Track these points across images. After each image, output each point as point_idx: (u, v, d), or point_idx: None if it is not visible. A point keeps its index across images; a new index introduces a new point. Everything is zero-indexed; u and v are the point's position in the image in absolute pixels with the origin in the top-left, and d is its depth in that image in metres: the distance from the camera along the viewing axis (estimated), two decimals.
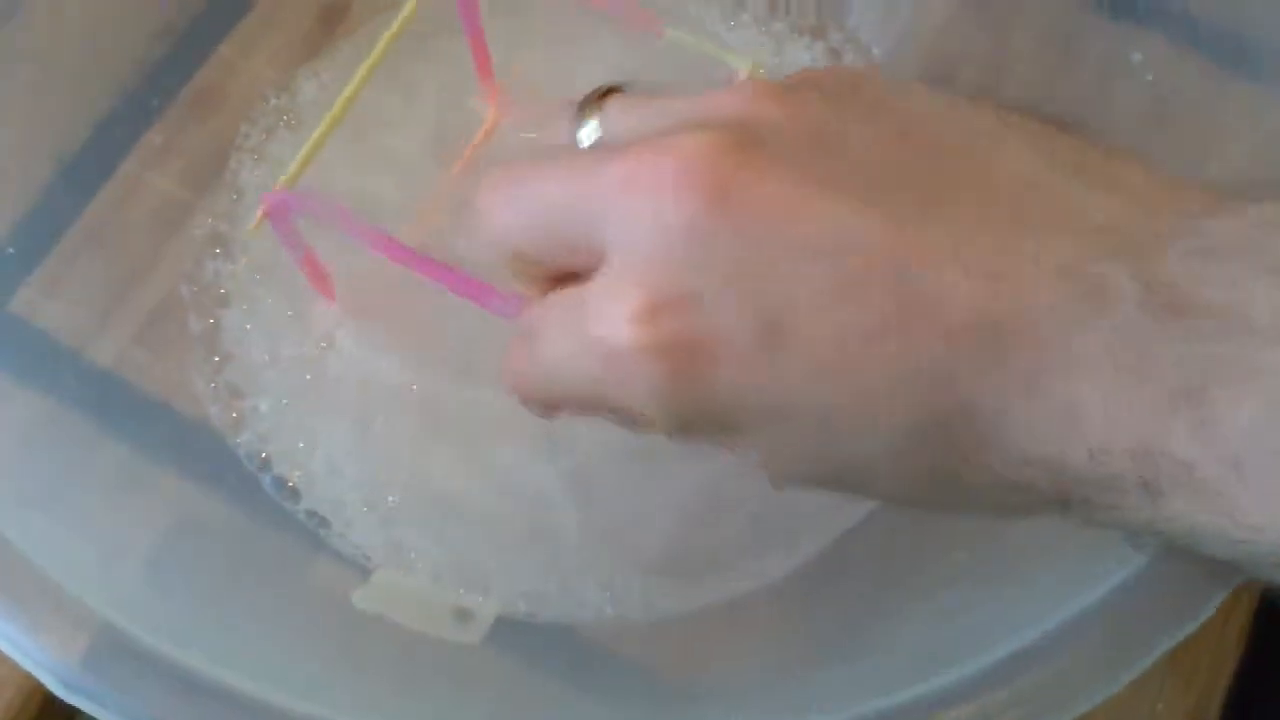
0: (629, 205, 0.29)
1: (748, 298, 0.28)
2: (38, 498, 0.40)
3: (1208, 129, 0.43)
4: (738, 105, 0.30)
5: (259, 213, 0.42)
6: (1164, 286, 0.26)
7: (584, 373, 0.31)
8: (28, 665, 0.33)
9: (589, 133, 0.34)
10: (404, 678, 0.39)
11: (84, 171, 0.49)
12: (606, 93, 0.34)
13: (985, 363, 0.27)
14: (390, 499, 0.45)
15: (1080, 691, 0.31)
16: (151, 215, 0.49)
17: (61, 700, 0.33)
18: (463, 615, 0.42)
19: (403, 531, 0.44)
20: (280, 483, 0.45)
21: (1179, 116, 0.44)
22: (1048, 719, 0.31)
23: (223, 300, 0.48)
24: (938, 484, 0.29)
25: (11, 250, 0.47)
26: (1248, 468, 0.25)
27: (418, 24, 0.45)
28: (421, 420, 0.46)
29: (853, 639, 0.39)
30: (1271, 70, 0.42)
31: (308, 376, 0.47)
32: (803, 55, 0.52)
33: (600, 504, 0.45)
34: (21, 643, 0.33)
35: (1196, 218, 0.28)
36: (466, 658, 0.42)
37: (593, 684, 0.42)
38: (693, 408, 0.30)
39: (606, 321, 0.29)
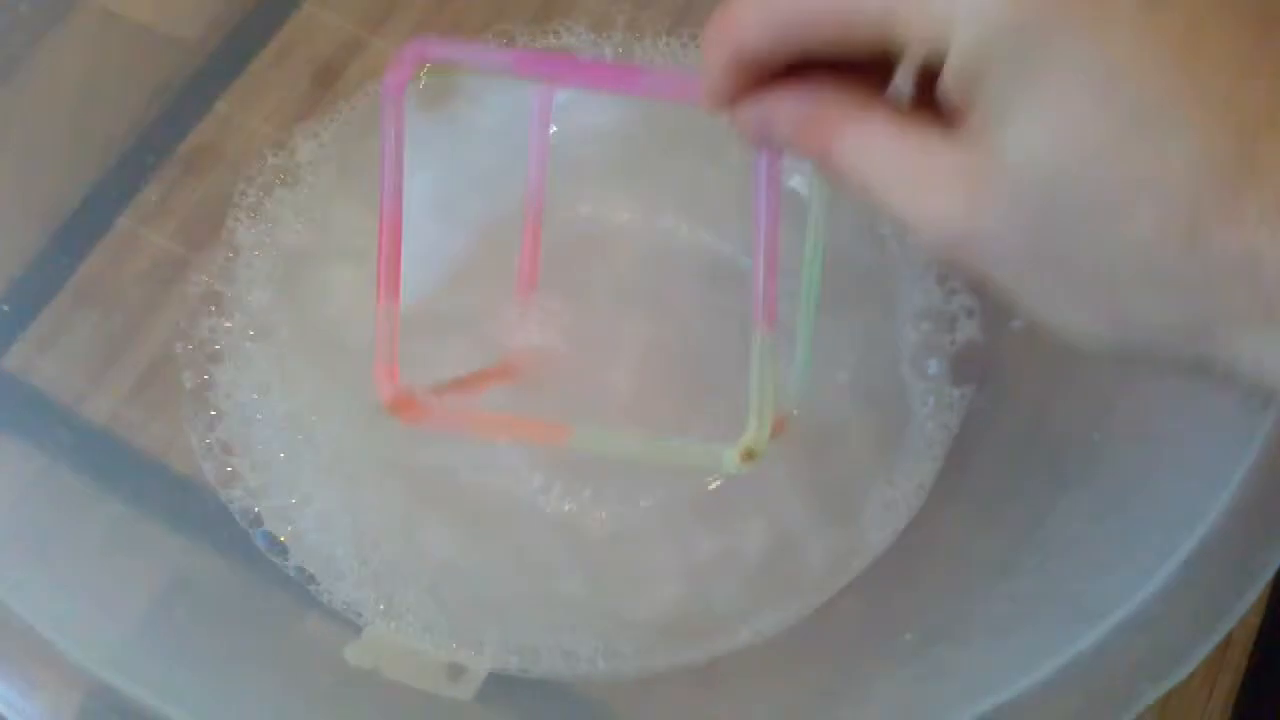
0: None
1: None
2: (31, 555, 0.39)
3: None
4: None
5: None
6: None
7: None
8: None
9: None
10: None
11: (79, 228, 0.50)
12: None
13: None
14: (381, 554, 0.45)
15: None
16: (146, 272, 0.50)
17: None
18: (455, 671, 0.42)
19: (394, 586, 0.44)
20: (271, 539, 0.45)
21: None
22: None
23: (216, 357, 0.48)
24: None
25: (5, 307, 0.47)
26: None
27: None
28: (413, 478, 0.46)
29: (838, 696, 0.39)
30: None
31: (300, 435, 0.47)
32: None
33: (595, 564, 0.45)
34: (15, 702, 0.33)
35: None
36: (459, 713, 0.42)
37: None
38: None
39: None
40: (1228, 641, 0.47)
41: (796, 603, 0.43)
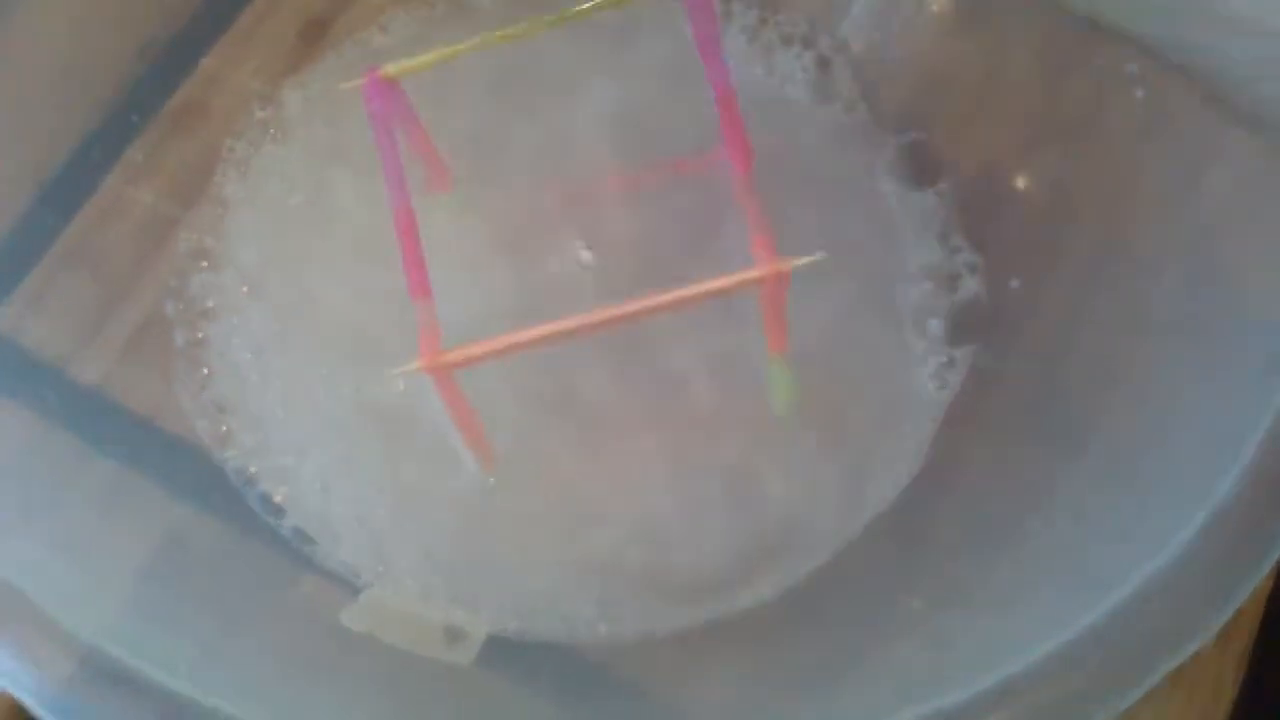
0: None
1: None
2: (22, 518, 0.39)
3: (1204, 138, 0.43)
4: None
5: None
6: None
7: None
8: (13, 689, 0.33)
9: None
10: (394, 698, 0.39)
11: (66, 189, 0.49)
12: None
13: None
14: (379, 515, 0.45)
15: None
16: (135, 231, 0.49)
17: None
18: (454, 634, 0.42)
19: (392, 547, 0.44)
20: (266, 499, 0.45)
21: (1173, 128, 0.44)
22: None
23: (209, 314, 0.48)
24: None
25: None
26: None
27: None
28: (412, 438, 0.46)
29: (844, 660, 0.39)
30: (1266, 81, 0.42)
31: (296, 393, 0.46)
32: (792, 64, 0.51)
33: (594, 525, 0.44)
34: (7, 666, 0.33)
35: None
36: (458, 677, 0.41)
37: (585, 704, 0.41)
38: None
39: None
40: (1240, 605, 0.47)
41: (796, 567, 0.43)
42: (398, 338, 0.46)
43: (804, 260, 0.38)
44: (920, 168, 0.50)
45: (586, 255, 0.48)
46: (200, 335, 0.47)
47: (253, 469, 0.45)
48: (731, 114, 0.40)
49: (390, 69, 0.41)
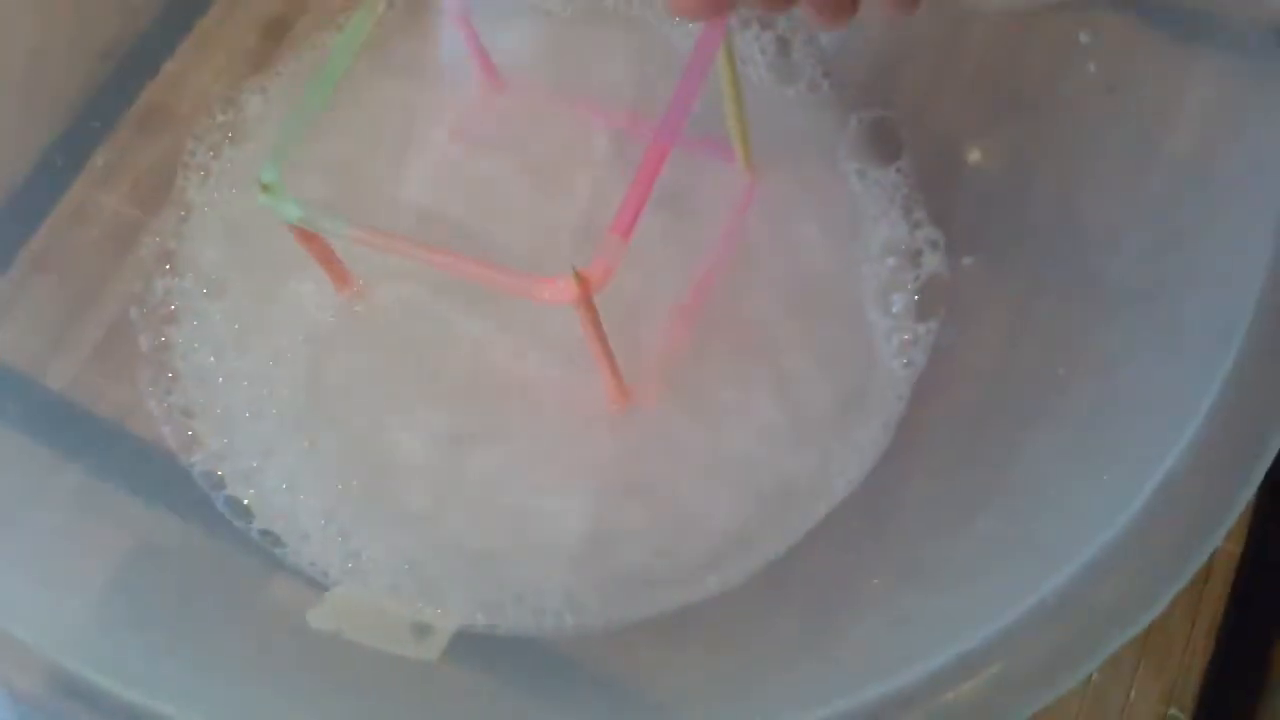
0: None
1: None
2: None
3: (1160, 106, 0.43)
4: None
5: None
6: None
7: None
8: None
9: None
10: (363, 698, 0.39)
11: (31, 197, 0.49)
12: None
13: None
14: (346, 511, 0.45)
15: (1032, 689, 0.30)
16: (100, 236, 0.49)
17: None
18: (422, 630, 0.42)
19: (360, 544, 0.44)
20: (234, 502, 0.45)
21: (1131, 96, 0.44)
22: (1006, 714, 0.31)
23: (171, 318, 0.48)
24: None
25: None
26: None
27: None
28: (375, 432, 0.46)
29: (807, 644, 0.39)
30: (1220, 44, 0.42)
31: (259, 393, 0.46)
32: (750, 46, 0.51)
33: (560, 516, 0.44)
34: None
35: None
36: (426, 673, 0.41)
37: (554, 694, 0.41)
38: None
39: None
40: (1208, 574, 0.47)
41: (762, 551, 0.43)
42: (361, 333, 0.47)
43: None
44: (882, 145, 0.50)
45: None
46: (163, 339, 0.47)
47: (220, 472, 0.45)
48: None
49: None
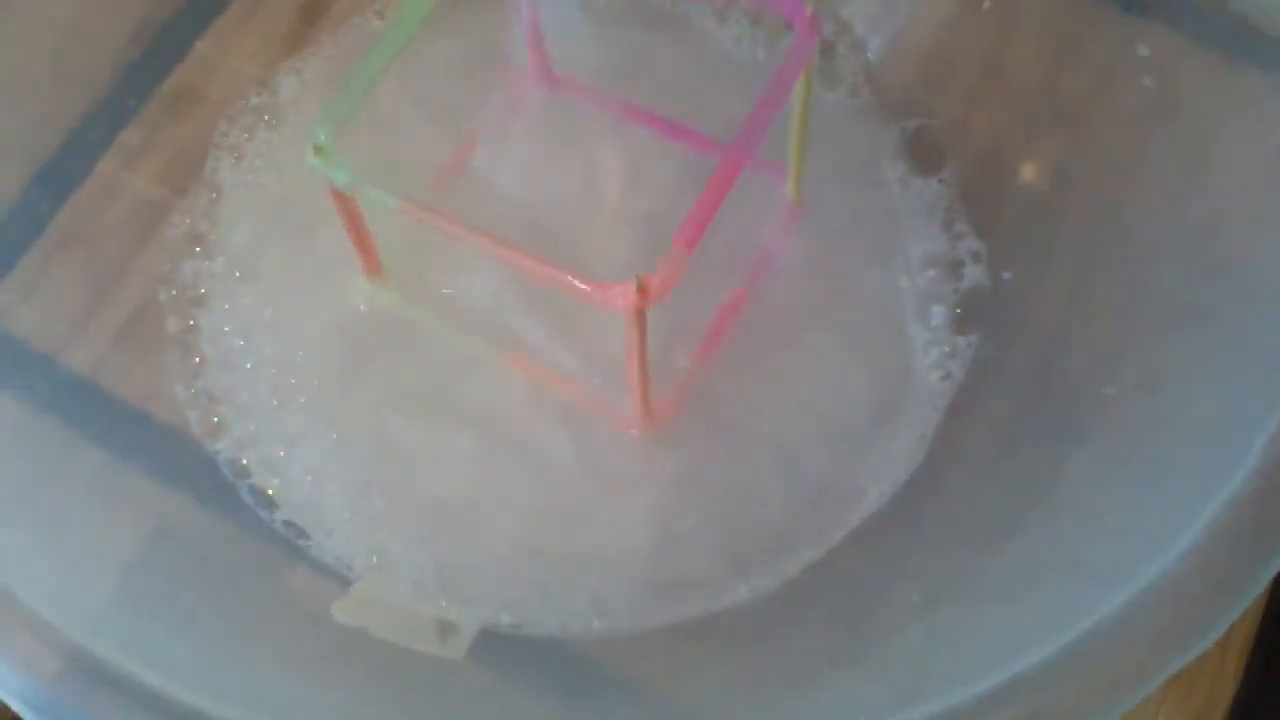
0: None
1: None
2: (11, 508, 0.39)
3: (1212, 123, 0.42)
4: None
5: None
6: None
7: None
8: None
9: None
10: (385, 694, 0.38)
11: (60, 173, 0.48)
12: None
13: None
14: (371, 505, 0.44)
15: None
16: (128, 216, 0.49)
17: None
18: (446, 628, 0.41)
19: (385, 539, 0.43)
20: (259, 491, 0.44)
21: (1182, 111, 0.43)
22: None
23: (200, 301, 0.47)
24: None
25: None
26: None
27: None
28: (403, 422, 0.45)
29: (839, 656, 0.38)
30: (1272, 59, 0.41)
31: (287, 380, 0.46)
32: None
33: (588, 520, 0.44)
34: None
35: None
36: (450, 671, 0.41)
37: (578, 697, 0.41)
38: None
39: None
40: None
41: (794, 558, 0.42)
42: (391, 324, 0.46)
43: None
44: (925, 154, 0.49)
45: None
46: (192, 322, 0.47)
47: (244, 460, 0.45)
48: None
49: None
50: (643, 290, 0.36)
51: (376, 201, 0.40)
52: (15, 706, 0.32)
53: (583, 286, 0.37)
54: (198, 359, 0.46)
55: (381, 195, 0.39)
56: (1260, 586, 0.31)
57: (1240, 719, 0.45)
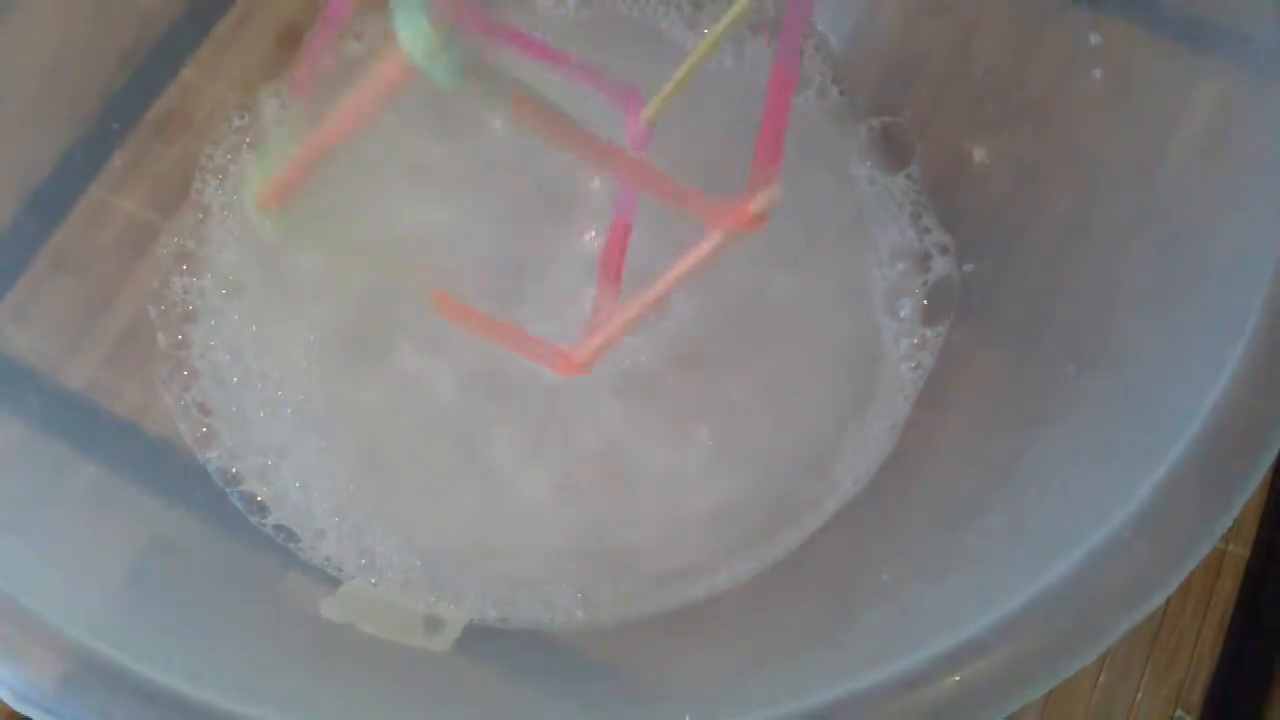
0: None
1: None
2: (9, 522, 0.39)
3: (1169, 109, 0.43)
4: None
5: None
6: None
7: None
8: (2, 693, 0.33)
9: None
10: (376, 689, 0.39)
11: (49, 198, 0.49)
12: None
13: None
14: (360, 508, 0.45)
15: (1037, 674, 0.31)
16: (118, 238, 0.49)
17: None
18: (433, 623, 0.42)
19: (373, 540, 0.44)
20: (249, 498, 0.45)
21: (1139, 98, 0.44)
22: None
23: (189, 317, 0.48)
24: None
25: None
26: None
27: None
28: (389, 428, 0.46)
29: (815, 634, 0.39)
30: (1229, 46, 0.42)
31: (275, 392, 0.47)
32: (761, 53, 0.52)
33: (571, 510, 0.44)
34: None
35: None
36: (438, 665, 0.42)
37: (565, 688, 0.41)
38: None
39: None
40: (1217, 576, 0.47)
41: (772, 546, 0.43)
42: (373, 335, 0.47)
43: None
44: (892, 151, 0.50)
45: None
46: (181, 337, 0.48)
47: (235, 469, 0.46)
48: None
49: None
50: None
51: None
52: (15, 706, 0.33)
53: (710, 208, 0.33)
54: (187, 373, 0.47)
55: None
56: (1207, 548, 0.31)
57: (1219, 692, 0.46)
